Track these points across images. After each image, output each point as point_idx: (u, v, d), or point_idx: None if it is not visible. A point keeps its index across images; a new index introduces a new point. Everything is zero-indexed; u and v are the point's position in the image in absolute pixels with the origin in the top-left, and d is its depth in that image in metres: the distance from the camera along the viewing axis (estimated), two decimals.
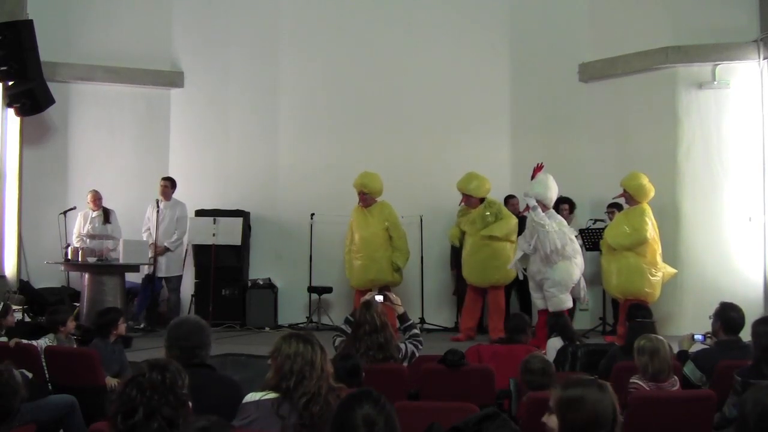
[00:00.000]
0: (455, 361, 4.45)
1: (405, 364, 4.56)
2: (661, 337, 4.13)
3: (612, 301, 8.21)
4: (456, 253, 8.45)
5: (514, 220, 7.93)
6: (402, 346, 4.59)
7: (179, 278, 8.76)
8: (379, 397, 2.10)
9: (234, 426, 2.78)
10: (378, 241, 8.12)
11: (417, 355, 4.67)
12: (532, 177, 7.30)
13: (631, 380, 3.98)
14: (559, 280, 7.08)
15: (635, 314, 5.29)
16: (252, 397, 2.86)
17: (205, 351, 3.27)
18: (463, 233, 8.08)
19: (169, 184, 8.67)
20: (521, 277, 7.66)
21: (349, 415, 2.05)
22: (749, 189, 8.15)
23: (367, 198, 8.18)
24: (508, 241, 7.82)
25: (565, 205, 8.41)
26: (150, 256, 8.18)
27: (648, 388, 3.89)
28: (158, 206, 8.46)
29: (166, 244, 8.56)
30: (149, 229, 8.59)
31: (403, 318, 4.84)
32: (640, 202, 7.42)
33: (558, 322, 5.53)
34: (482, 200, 7.91)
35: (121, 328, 5.27)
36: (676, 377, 4.04)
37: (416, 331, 4.80)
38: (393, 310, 5.01)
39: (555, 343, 5.38)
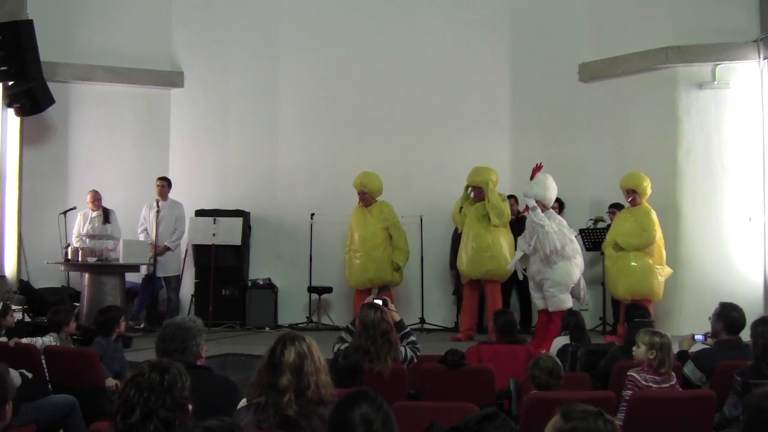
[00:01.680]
0: (455, 361, 4.45)
1: None
2: (666, 334, 4.13)
3: (612, 301, 8.21)
4: (455, 251, 8.45)
5: (508, 211, 7.96)
6: (403, 350, 4.59)
7: (178, 278, 8.76)
8: (376, 396, 2.11)
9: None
10: (377, 240, 8.14)
11: (415, 361, 4.67)
12: (531, 177, 7.29)
13: (628, 373, 3.99)
14: (558, 280, 7.08)
15: (634, 314, 5.28)
16: (244, 402, 2.89)
17: (186, 354, 3.22)
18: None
19: (166, 184, 8.68)
20: (521, 278, 7.67)
21: (347, 415, 2.05)
22: (749, 189, 8.15)
23: (366, 197, 8.19)
24: (502, 227, 7.86)
25: (554, 203, 8.38)
26: (150, 255, 8.17)
27: (643, 382, 3.91)
28: (158, 206, 8.46)
29: (166, 243, 8.57)
30: (146, 229, 8.59)
31: (400, 325, 4.84)
32: (642, 202, 7.42)
33: (571, 321, 5.50)
34: None
35: (122, 326, 5.27)
36: (673, 373, 4.05)
37: (413, 338, 4.80)
38: (390, 317, 5.01)
39: (562, 341, 5.36)
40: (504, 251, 7.80)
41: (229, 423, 2.15)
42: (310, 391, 2.72)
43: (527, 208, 7.22)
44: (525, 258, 7.37)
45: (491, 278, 7.87)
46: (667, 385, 3.96)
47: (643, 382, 3.90)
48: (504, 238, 7.87)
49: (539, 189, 7.17)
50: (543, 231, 7.02)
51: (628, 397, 3.81)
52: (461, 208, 8.13)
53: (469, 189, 8.05)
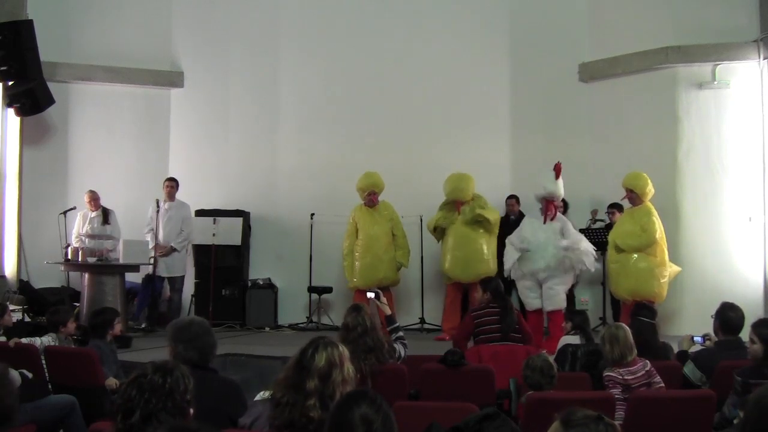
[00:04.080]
0: (455, 361, 4.45)
1: None
2: (621, 324, 4.25)
3: (612, 301, 8.21)
4: None
5: (498, 215, 8.05)
6: (397, 347, 4.59)
7: (182, 278, 8.77)
8: (376, 396, 2.10)
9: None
10: (386, 239, 8.17)
11: (405, 356, 4.67)
12: (557, 177, 7.12)
13: (604, 374, 4.06)
14: (567, 278, 7.09)
15: (638, 313, 5.28)
16: (262, 395, 2.88)
17: (215, 351, 3.30)
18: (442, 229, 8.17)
19: (174, 185, 8.67)
20: (507, 275, 7.46)
21: (347, 415, 2.05)
22: (749, 189, 8.15)
23: (375, 198, 8.19)
24: (491, 233, 7.89)
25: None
26: (151, 256, 8.17)
27: (620, 377, 3.97)
28: (158, 206, 8.46)
29: (173, 244, 8.56)
30: (153, 229, 8.57)
31: (390, 319, 4.84)
32: (644, 202, 7.40)
33: (575, 320, 5.49)
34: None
35: (117, 328, 5.26)
36: (646, 361, 4.10)
37: (401, 333, 4.81)
38: (382, 311, 5.02)
39: (568, 340, 5.34)
40: (490, 254, 7.87)
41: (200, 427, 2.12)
42: (335, 401, 2.70)
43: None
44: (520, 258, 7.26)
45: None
46: (643, 371, 4.02)
47: (620, 378, 3.97)
48: (489, 241, 7.91)
49: (561, 191, 7.13)
50: (588, 257, 7.04)
51: (619, 396, 3.85)
52: (435, 227, 8.15)
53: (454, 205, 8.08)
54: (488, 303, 5.68)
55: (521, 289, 7.32)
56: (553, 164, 7.16)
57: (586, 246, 7.06)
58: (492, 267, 7.84)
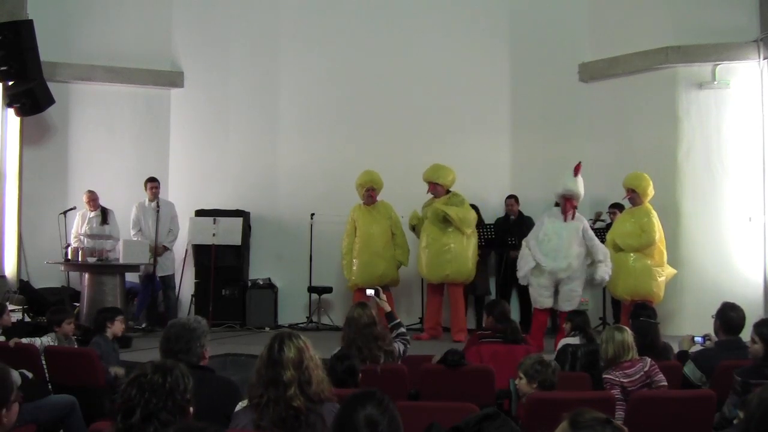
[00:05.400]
0: (455, 361, 4.45)
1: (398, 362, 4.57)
2: (624, 327, 4.29)
3: (612, 301, 8.22)
4: None
5: (473, 214, 7.90)
6: (396, 345, 4.59)
7: (173, 276, 8.77)
8: (382, 397, 2.09)
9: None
10: (385, 238, 8.14)
11: (406, 353, 4.67)
12: (575, 174, 7.11)
13: (603, 376, 4.08)
14: (585, 278, 7.15)
15: (640, 314, 5.27)
16: (241, 405, 2.88)
17: (190, 355, 3.23)
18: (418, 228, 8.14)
19: (158, 185, 8.64)
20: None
21: (352, 416, 2.03)
22: (749, 189, 8.15)
23: (374, 196, 8.19)
24: (462, 233, 7.74)
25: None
26: (150, 256, 8.16)
27: (618, 380, 4.00)
28: (158, 207, 8.46)
29: (165, 243, 8.57)
30: (141, 229, 8.55)
31: (390, 316, 4.85)
32: (643, 203, 7.40)
33: (575, 320, 5.49)
34: (448, 192, 7.96)
35: (117, 326, 5.25)
36: (647, 359, 4.11)
37: (403, 329, 4.80)
38: (381, 308, 5.03)
39: (570, 341, 5.33)
40: (465, 253, 7.77)
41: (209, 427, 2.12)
42: (314, 386, 2.73)
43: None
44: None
45: (452, 282, 7.84)
46: (641, 373, 4.02)
47: (617, 380, 4.00)
48: (463, 239, 7.78)
49: (581, 189, 7.13)
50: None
51: (619, 396, 3.86)
52: (414, 226, 8.12)
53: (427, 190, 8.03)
54: (493, 328, 5.63)
55: (534, 287, 7.23)
56: (576, 164, 7.20)
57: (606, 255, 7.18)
58: (461, 267, 7.74)
